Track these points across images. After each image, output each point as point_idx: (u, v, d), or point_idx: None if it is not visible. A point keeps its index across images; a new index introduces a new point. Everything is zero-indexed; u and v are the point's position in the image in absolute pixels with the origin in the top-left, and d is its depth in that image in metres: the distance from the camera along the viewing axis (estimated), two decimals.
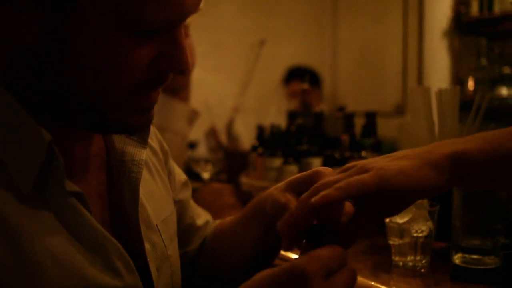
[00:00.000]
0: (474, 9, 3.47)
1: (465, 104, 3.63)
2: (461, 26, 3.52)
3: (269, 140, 1.79)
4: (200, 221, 0.94)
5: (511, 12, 3.32)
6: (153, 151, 0.83)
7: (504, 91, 3.41)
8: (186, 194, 0.93)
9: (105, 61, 0.56)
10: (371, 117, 1.61)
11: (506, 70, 3.43)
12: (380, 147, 1.66)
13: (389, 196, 0.61)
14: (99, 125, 0.63)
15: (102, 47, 0.55)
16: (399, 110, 3.58)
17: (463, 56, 3.59)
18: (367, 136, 1.64)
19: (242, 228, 0.86)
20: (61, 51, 0.55)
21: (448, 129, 1.18)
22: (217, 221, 0.97)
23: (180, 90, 1.49)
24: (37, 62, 0.57)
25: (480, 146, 0.63)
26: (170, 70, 0.61)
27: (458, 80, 3.58)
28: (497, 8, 3.39)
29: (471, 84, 3.56)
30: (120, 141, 0.72)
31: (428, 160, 0.62)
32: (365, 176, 0.60)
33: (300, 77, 3.69)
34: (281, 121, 2.01)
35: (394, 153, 0.65)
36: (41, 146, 0.57)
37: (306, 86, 3.68)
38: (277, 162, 1.69)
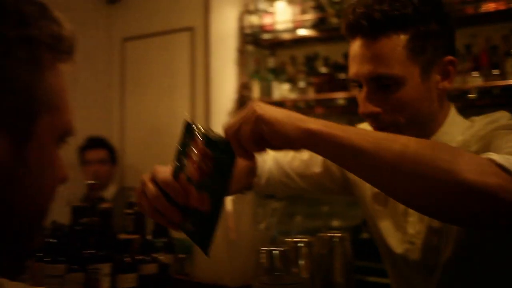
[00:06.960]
0: (256, 94, 3.70)
1: None
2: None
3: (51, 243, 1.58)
4: None
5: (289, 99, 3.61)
6: None
7: None
8: None
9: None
10: None
11: None
12: (173, 248, 1.59)
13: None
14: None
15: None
16: None
17: None
18: (158, 236, 1.56)
19: None
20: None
21: None
22: None
23: None
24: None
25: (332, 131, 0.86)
26: None
27: None
28: (276, 94, 3.65)
29: None
30: None
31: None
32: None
33: (97, 146, 3.51)
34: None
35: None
36: None
37: (102, 154, 3.50)
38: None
